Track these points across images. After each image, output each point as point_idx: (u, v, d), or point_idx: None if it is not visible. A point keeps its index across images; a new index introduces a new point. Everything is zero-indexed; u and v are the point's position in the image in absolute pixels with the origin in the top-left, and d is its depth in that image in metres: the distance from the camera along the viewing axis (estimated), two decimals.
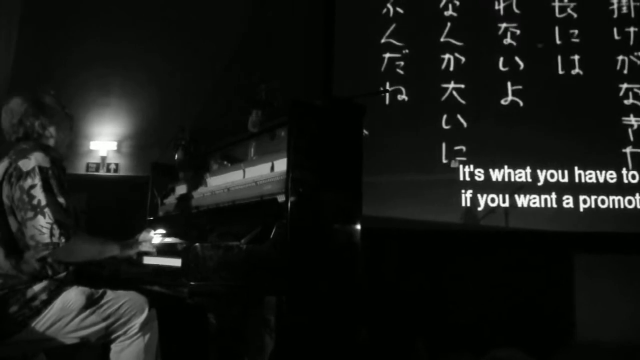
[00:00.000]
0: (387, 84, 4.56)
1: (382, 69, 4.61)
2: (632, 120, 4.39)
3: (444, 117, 4.47)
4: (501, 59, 4.54)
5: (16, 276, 1.85)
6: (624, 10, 4.58)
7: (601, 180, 4.27)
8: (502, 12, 4.64)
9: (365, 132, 2.72)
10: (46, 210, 1.80)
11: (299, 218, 2.16)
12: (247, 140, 2.81)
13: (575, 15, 4.58)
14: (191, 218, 2.83)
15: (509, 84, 4.50)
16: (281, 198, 2.20)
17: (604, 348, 3.71)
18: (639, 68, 4.46)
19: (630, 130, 4.37)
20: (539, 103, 4.44)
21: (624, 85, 4.44)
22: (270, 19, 4.91)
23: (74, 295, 1.91)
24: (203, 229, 2.55)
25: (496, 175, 4.33)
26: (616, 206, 4.22)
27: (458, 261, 4.18)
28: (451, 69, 4.56)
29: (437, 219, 4.26)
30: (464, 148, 4.40)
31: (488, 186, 4.32)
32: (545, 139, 4.33)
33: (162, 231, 2.79)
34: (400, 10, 4.70)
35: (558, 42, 4.54)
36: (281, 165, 2.35)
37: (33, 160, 1.86)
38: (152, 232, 2.40)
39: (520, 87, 4.48)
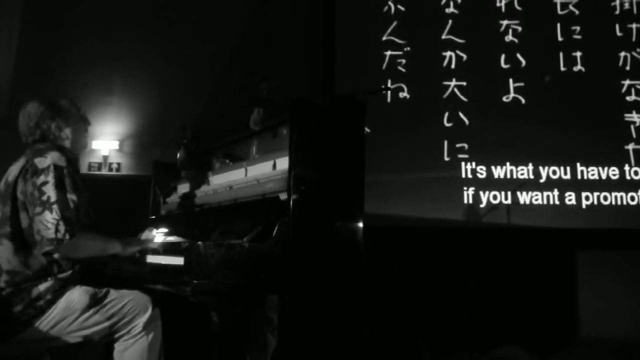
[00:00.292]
0: (389, 82, 4.54)
1: (384, 66, 4.59)
2: (634, 116, 4.38)
3: (446, 114, 4.47)
4: (503, 56, 4.53)
5: (23, 273, 1.88)
6: (626, 6, 4.56)
7: (603, 176, 4.26)
8: (503, 9, 4.63)
9: (367, 130, 2.72)
10: (54, 206, 1.84)
11: (301, 216, 2.16)
12: (249, 139, 2.81)
13: (577, 12, 4.57)
14: (193, 217, 2.83)
15: (510, 81, 4.49)
16: (283, 196, 2.20)
17: (607, 345, 3.71)
18: None
19: (632, 127, 4.36)
20: (541, 100, 4.43)
21: (626, 82, 4.43)
22: (271, 18, 4.90)
23: (77, 295, 1.94)
24: (205, 227, 2.56)
25: (498, 172, 4.33)
26: (618, 202, 4.21)
27: (460, 258, 4.18)
28: (453, 66, 4.55)
29: (439, 217, 4.25)
30: (465, 145, 4.39)
31: (490, 183, 4.31)
32: (547, 136, 4.32)
33: (165, 230, 2.78)
34: (402, 8, 4.69)
35: (560, 39, 4.53)
36: (283, 163, 2.35)
37: (49, 159, 1.91)
38: (154, 231, 2.41)
39: (522, 84, 4.47)
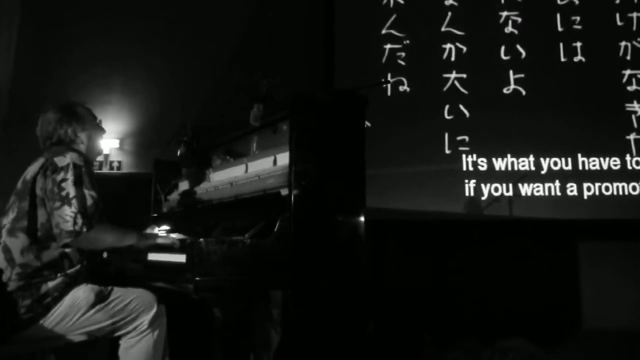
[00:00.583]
0: (389, 75, 4.54)
1: (383, 60, 4.59)
2: (635, 106, 4.37)
3: (446, 107, 4.46)
4: (503, 48, 4.52)
5: (35, 266, 1.91)
6: None
7: (605, 167, 4.25)
8: (503, 1, 4.61)
9: (367, 123, 2.71)
10: (73, 201, 1.91)
11: (303, 211, 2.16)
12: (249, 135, 2.81)
13: (576, 2, 4.55)
14: (195, 214, 2.83)
15: (511, 72, 4.48)
16: (284, 192, 2.20)
17: (610, 336, 3.71)
18: None
19: (633, 117, 4.35)
20: (542, 91, 4.42)
21: (627, 72, 4.42)
22: (271, 14, 4.89)
23: (82, 293, 1.96)
24: (207, 224, 2.56)
25: (499, 164, 4.32)
26: (620, 193, 4.21)
27: (463, 251, 4.18)
28: (452, 58, 4.55)
29: (440, 210, 4.25)
30: (466, 138, 4.39)
31: (491, 175, 4.31)
32: (548, 127, 4.31)
33: (166, 227, 2.79)
34: (401, 1, 4.68)
35: (560, 29, 4.52)
36: (284, 159, 2.34)
37: (68, 158, 1.98)
38: (156, 229, 2.41)
39: (522, 75, 4.45)
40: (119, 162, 4.88)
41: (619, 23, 4.50)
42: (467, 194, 4.31)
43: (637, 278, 4.10)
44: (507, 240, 4.16)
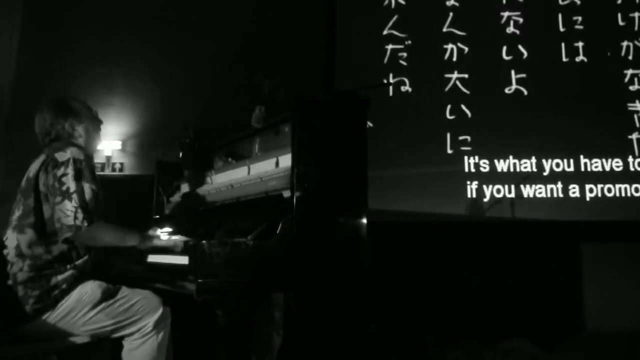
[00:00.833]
0: (390, 76, 4.54)
1: (385, 61, 4.59)
2: (637, 106, 4.36)
3: (448, 107, 4.46)
4: (504, 48, 4.51)
5: (45, 258, 1.95)
6: None
7: (607, 168, 4.24)
8: (504, 1, 4.61)
9: (369, 124, 2.71)
10: (73, 195, 1.93)
11: (305, 213, 2.16)
12: (251, 137, 2.81)
13: (578, 2, 4.54)
14: (197, 215, 2.84)
15: (512, 72, 4.47)
16: (286, 193, 2.20)
17: (612, 338, 3.70)
18: None
19: (636, 117, 4.34)
20: (543, 91, 4.41)
21: (629, 71, 4.41)
22: (271, 15, 4.89)
23: (90, 289, 1.99)
24: (209, 226, 2.56)
25: (501, 165, 4.32)
26: (623, 194, 4.19)
27: (465, 253, 4.17)
28: (454, 59, 4.54)
29: (442, 211, 4.25)
30: (468, 138, 4.38)
31: (493, 177, 4.30)
32: (550, 128, 4.30)
33: (169, 229, 2.79)
34: (402, 2, 4.68)
35: (562, 29, 4.51)
36: (286, 160, 2.34)
37: (69, 153, 2.01)
38: (158, 231, 2.41)
39: (524, 75, 4.45)
40: (121, 164, 4.88)
41: (620, 23, 4.49)
42: (469, 195, 4.30)
43: None
44: (509, 241, 4.16)
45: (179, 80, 4.85)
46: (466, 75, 4.50)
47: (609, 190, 4.21)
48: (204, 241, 2.00)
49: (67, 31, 4.88)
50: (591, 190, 4.21)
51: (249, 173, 2.62)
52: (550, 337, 3.65)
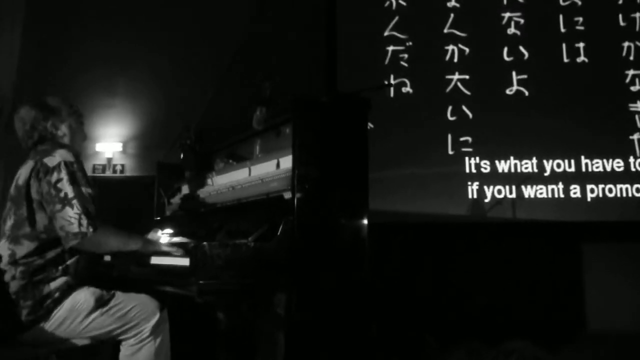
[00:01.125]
0: (392, 77, 4.54)
1: (386, 62, 4.59)
2: (638, 106, 4.36)
3: (449, 108, 4.46)
4: (505, 49, 4.51)
5: (37, 264, 1.91)
6: None
7: (608, 168, 4.24)
8: (505, 2, 4.61)
9: (370, 125, 2.71)
10: (74, 201, 1.89)
11: (306, 215, 2.16)
12: (252, 138, 2.81)
13: (579, 3, 4.54)
14: (198, 217, 2.84)
15: (513, 73, 4.47)
16: (287, 195, 2.20)
17: (614, 338, 3.70)
18: None
19: (637, 117, 4.34)
20: (544, 92, 4.41)
21: (630, 72, 4.40)
22: (272, 17, 4.90)
23: (83, 296, 1.94)
24: (210, 227, 2.56)
25: (502, 166, 4.32)
26: (624, 195, 4.19)
27: (466, 253, 4.17)
28: (455, 60, 4.54)
29: (443, 212, 4.25)
30: (469, 139, 4.38)
31: (494, 178, 4.30)
32: (551, 128, 4.30)
33: (170, 231, 2.79)
34: (403, 3, 4.68)
35: (562, 30, 4.51)
36: (287, 162, 2.34)
37: (58, 157, 1.95)
38: (159, 232, 2.41)
39: (525, 76, 4.45)
40: (122, 166, 4.89)
41: (621, 23, 4.49)
42: (470, 196, 4.30)
43: None
44: (511, 242, 4.16)
45: (179, 81, 4.86)
46: (467, 76, 4.50)
47: (610, 190, 4.20)
48: (205, 243, 2.00)
49: (69, 33, 4.89)
50: (592, 191, 4.21)
51: (249, 174, 2.62)
52: (552, 338, 3.64)
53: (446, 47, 4.56)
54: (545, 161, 4.28)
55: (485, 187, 4.30)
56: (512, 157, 4.31)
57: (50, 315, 1.89)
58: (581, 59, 4.45)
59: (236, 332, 2.15)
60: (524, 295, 4.07)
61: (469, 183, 4.31)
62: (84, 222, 1.87)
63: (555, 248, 4.20)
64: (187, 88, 4.84)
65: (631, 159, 4.25)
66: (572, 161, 4.26)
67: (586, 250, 4.21)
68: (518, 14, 4.56)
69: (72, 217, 1.87)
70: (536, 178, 4.25)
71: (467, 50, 4.54)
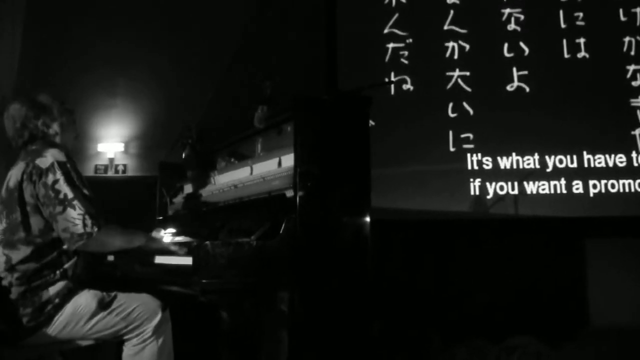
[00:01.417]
0: (392, 74, 4.54)
1: (386, 59, 4.59)
2: None
3: (450, 105, 4.45)
4: (506, 45, 4.50)
5: (33, 268, 1.88)
6: None
7: (610, 164, 4.23)
8: None
9: (371, 122, 2.71)
10: (75, 202, 1.85)
11: (308, 213, 2.16)
12: (253, 137, 2.81)
13: None
14: (200, 216, 2.84)
15: (514, 69, 4.46)
16: (289, 193, 2.20)
17: (617, 333, 3.69)
18: None
19: (638, 112, 4.32)
20: (545, 88, 4.40)
21: (632, 67, 4.39)
22: (272, 15, 4.89)
23: (84, 300, 1.93)
24: (213, 226, 2.56)
25: (504, 162, 4.31)
26: (626, 190, 4.18)
27: (468, 250, 4.17)
28: (455, 56, 4.54)
29: (446, 209, 4.24)
30: (471, 136, 4.38)
31: (496, 174, 4.29)
32: (553, 124, 4.29)
33: (172, 230, 2.80)
34: (403, 0, 4.67)
35: (563, 25, 4.50)
36: (288, 160, 2.34)
37: (50, 157, 1.90)
38: (162, 232, 2.41)
39: (525, 72, 4.44)
40: (124, 166, 4.90)
41: (622, 18, 4.47)
42: (472, 192, 4.29)
43: None
44: (513, 238, 4.15)
45: (181, 81, 4.86)
46: (468, 73, 4.49)
47: (613, 186, 4.19)
48: (207, 242, 2.00)
49: (69, 33, 4.89)
50: (595, 186, 4.20)
51: (251, 173, 2.62)
52: (554, 334, 3.64)
53: (446, 44, 4.55)
54: (547, 157, 4.27)
55: (487, 184, 4.29)
56: (514, 154, 4.31)
57: (51, 321, 1.87)
58: (582, 54, 4.44)
59: (239, 330, 2.16)
60: (527, 291, 4.06)
61: (471, 180, 4.31)
62: (88, 222, 1.85)
63: (558, 244, 4.19)
64: (188, 88, 4.84)
65: (633, 154, 4.23)
66: (574, 157, 4.25)
67: (589, 246, 4.20)
68: (518, 9, 4.55)
69: (75, 218, 1.84)
70: (538, 174, 4.25)
71: (467, 46, 4.53)
